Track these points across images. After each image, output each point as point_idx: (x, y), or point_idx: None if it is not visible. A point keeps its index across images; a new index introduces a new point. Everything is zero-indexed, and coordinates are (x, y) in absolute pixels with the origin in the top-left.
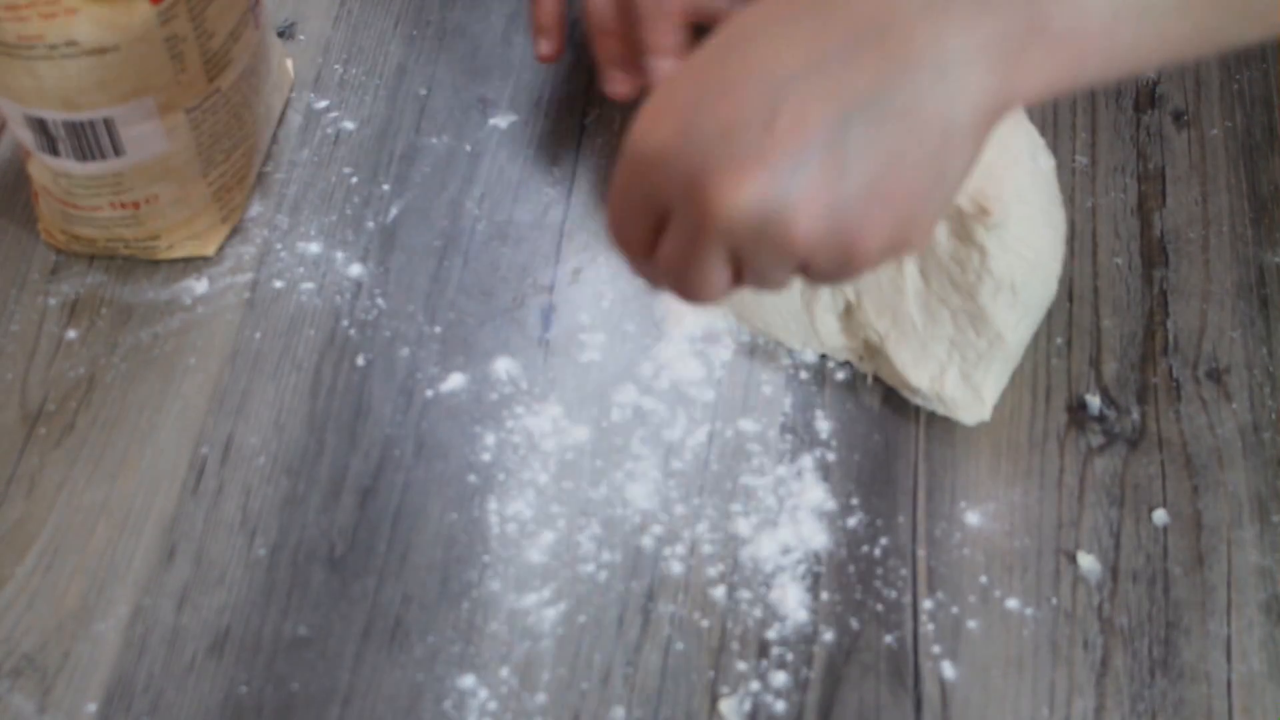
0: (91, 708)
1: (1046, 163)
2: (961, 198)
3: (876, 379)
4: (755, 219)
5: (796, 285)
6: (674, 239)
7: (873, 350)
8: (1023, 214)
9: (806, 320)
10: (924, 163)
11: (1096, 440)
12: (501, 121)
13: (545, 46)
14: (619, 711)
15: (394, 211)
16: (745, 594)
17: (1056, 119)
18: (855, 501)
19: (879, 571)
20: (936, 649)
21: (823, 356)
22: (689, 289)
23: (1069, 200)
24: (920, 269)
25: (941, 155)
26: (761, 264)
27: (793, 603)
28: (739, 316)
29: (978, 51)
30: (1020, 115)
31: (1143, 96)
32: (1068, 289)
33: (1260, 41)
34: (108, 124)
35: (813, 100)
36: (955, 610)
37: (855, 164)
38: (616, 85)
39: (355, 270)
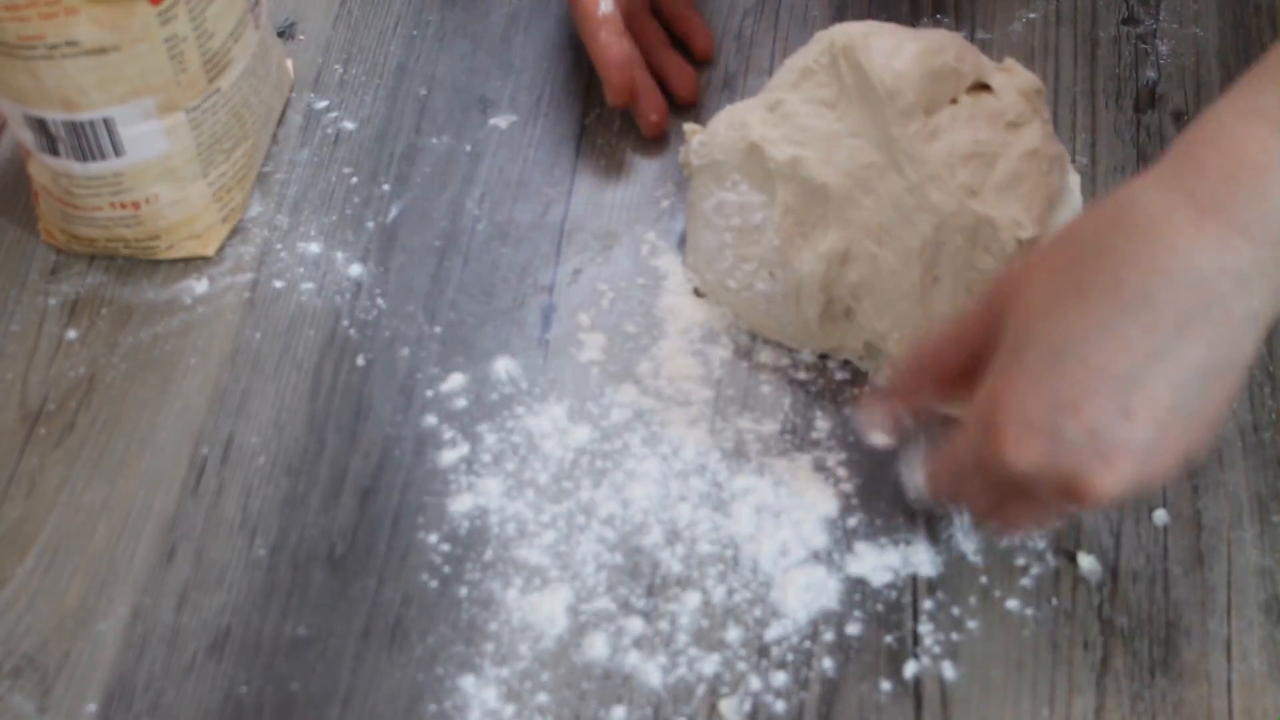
0: (91, 708)
1: (1073, 179)
2: (994, 210)
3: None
4: (1126, 493)
5: (794, 290)
6: (1036, 509)
7: (872, 350)
8: (1052, 229)
9: (805, 323)
10: (1232, 394)
11: None
12: (501, 121)
13: (655, 118)
14: (619, 711)
15: (394, 211)
16: (745, 594)
17: (1057, 119)
18: (855, 501)
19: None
20: (936, 649)
21: (823, 356)
22: (1024, 529)
23: None
24: (935, 274)
25: (1240, 384)
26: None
27: (793, 603)
28: (738, 316)
29: (1276, 291)
30: (1051, 131)
31: (1143, 96)
32: None
33: None
34: (108, 124)
35: (1160, 387)
36: (955, 610)
37: (1190, 419)
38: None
39: (355, 270)
